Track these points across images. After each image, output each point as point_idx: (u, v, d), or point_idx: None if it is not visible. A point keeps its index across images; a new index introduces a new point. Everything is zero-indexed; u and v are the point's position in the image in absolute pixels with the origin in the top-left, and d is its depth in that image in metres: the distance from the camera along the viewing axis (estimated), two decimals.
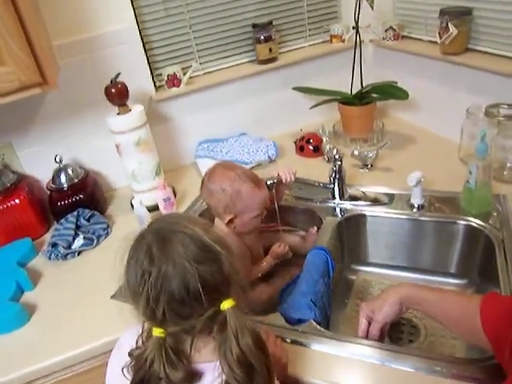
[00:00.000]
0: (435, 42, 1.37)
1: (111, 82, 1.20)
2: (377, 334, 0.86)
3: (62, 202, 1.28)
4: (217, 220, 1.12)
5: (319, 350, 0.84)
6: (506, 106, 1.19)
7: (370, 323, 0.88)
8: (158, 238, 0.61)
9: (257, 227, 1.10)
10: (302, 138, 1.51)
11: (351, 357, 0.82)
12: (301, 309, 0.92)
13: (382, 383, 0.77)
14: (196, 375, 0.63)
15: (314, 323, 0.90)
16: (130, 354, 0.65)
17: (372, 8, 1.34)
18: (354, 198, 1.25)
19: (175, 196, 1.36)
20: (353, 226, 1.22)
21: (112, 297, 1.03)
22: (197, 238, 0.61)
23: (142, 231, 0.64)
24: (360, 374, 0.79)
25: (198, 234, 0.62)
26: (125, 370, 0.64)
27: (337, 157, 1.17)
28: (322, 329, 0.89)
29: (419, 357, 0.80)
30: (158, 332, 0.61)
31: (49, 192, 1.31)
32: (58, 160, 1.28)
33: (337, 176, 1.21)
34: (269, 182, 1.12)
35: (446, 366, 0.77)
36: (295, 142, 1.53)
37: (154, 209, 1.29)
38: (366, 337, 0.88)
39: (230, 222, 1.04)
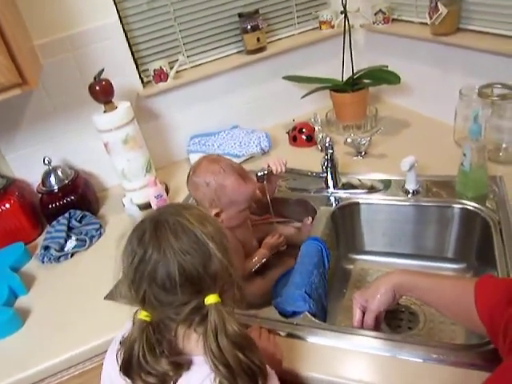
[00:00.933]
0: (426, 24, 1.34)
1: (95, 79, 1.18)
2: (372, 324, 0.85)
3: (54, 205, 1.27)
4: None
5: (315, 342, 0.83)
6: (499, 86, 1.16)
7: (364, 313, 0.87)
8: (153, 224, 0.62)
9: (245, 221, 1.08)
10: (295, 128, 1.49)
11: (348, 348, 0.81)
12: (295, 301, 0.90)
13: (379, 372, 0.76)
14: (182, 366, 0.62)
15: (309, 315, 0.89)
16: (120, 342, 0.65)
17: None
18: (348, 187, 1.23)
19: (168, 193, 1.34)
20: (347, 214, 1.20)
21: (106, 297, 1.02)
22: (189, 229, 0.61)
23: (143, 217, 0.65)
24: (358, 364, 0.78)
25: (191, 226, 0.61)
26: (117, 356, 0.64)
27: (327, 145, 1.15)
28: (317, 321, 0.88)
29: (417, 345, 0.79)
30: (142, 315, 0.62)
31: (40, 195, 1.30)
32: (46, 162, 1.26)
33: (329, 165, 1.19)
34: (259, 174, 1.09)
35: (444, 353, 0.75)
36: (288, 133, 1.51)
37: (146, 207, 1.28)
38: (362, 327, 0.87)
39: (217, 215, 1.03)
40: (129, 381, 0.62)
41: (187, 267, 0.59)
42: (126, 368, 0.62)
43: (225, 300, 0.62)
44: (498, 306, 0.65)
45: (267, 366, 0.65)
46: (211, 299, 0.60)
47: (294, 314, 0.89)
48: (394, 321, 1.05)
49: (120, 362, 0.63)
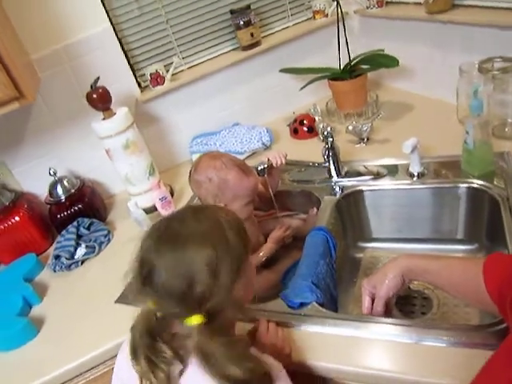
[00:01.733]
0: (420, 4, 1.32)
1: (91, 87, 1.19)
2: (381, 310, 0.84)
3: (62, 214, 1.29)
4: None
5: (324, 332, 0.82)
6: (499, 60, 1.14)
7: (373, 299, 0.86)
8: (166, 237, 0.66)
9: (250, 215, 1.08)
10: (295, 121, 1.48)
11: (359, 335, 0.80)
12: (302, 292, 0.90)
13: (391, 358, 0.74)
14: (182, 356, 0.63)
15: (317, 305, 0.88)
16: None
17: None
18: (351, 175, 1.22)
19: (173, 195, 1.35)
20: (352, 202, 1.19)
21: (116, 301, 1.03)
22: (187, 255, 0.63)
23: (168, 222, 0.69)
24: (369, 351, 0.77)
25: (191, 252, 0.63)
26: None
27: (326, 133, 1.14)
28: (325, 310, 0.87)
29: (429, 328, 0.78)
30: (149, 303, 0.65)
31: (48, 206, 1.32)
32: (52, 173, 1.28)
33: (330, 153, 1.18)
34: (260, 168, 1.09)
35: (457, 335, 0.74)
36: (289, 126, 1.50)
37: (152, 210, 1.29)
38: (372, 314, 0.85)
39: None
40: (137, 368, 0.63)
41: (170, 283, 0.62)
42: (133, 351, 0.64)
43: (215, 319, 0.62)
44: (506, 282, 0.63)
45: (275, 367, 0.65)
46: (193, 320, 0.61)
47: (302, 305, 0.89)
48: (407, 306, 1.03)
49: (128, 346, 0.65)
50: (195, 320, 0.61)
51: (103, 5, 1.30)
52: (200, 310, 0.62)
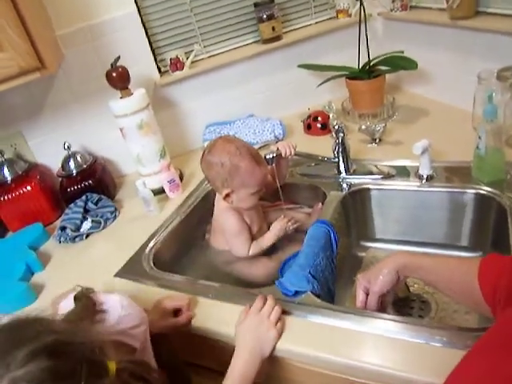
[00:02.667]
0: (444, 10, 1.31)
1: (111, 65, 1.22)
2: (375, 305, 0.83)
3: (72, 188, 1.32)
4: (217, 197, 1.12)
5: (318, 321, 0.82)
6: None
7: (368, 295, 0.86)
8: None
9: (255, 204, 1.09)
10: (309, 116, 1.48)
11: (350, 327, 0.79)
12: (298, 281, 0.90)
13: (383, 353, 0.73)
14: None
15: (313, 295, 0.88)
16: None
17: None
18: (360, 173, 1.21)
19: (182, 179, 1.37)
20: (359, 200, 1.19)
21: (115, 275, 1.05)
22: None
23: None
24: (361, 344, 0.76)
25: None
26: None
27: (337, 127, 1.14)
28: (320, 300, 0.87)
29: (423, 326, 0.77)
30: None
31: (59, 179, 1.35)
32: (66, 147, 1.31)
33: (340, 149, 1.18)
34: (268, 156, 1.10)
35: (451, 336, 0.72)
36: (303, 121, 1.51)
37: (160, 191, 1.30)
38: (365, 308, 0.85)
39: (227, 196, 1.04)
40: None
41: None
42: None
43: None
44: (501, 283, 0.62)
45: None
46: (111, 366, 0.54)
47: (297, 293, 0.89)
48: (405, 309, 1.02)
49: None
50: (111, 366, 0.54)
51: None
52: None
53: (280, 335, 0.79)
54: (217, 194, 1.11)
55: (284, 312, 0.83)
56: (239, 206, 1.06)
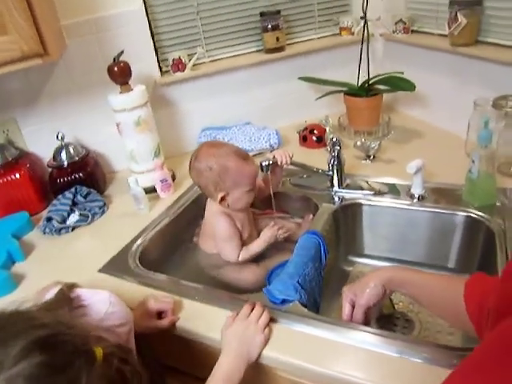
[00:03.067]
0: (445, 36, 1.34)
1: (114, 60, 1.21)
2: (361, 318, 0.83)
3: (62, 180, 1.29)
4: (209, 201, 1.12)
5: (302, 330, 0.81)
6: None
7: (354, 307, 0.86)
8: None
9: (250, 203, 1.09)
10: (306, 129, 1.49)
11: (336, 339, 0.79)
12: (286, 290, 0.89)
13: (364, 366, 0.73)
14: None
15: (300, 305, 0.87)
16: None
17: None
18: (353, 187, 1.22)
19: (174, 180, 1.36)
20: (350, 214, 1.19)
21: (100, 270, 1.03)
22: None
23: None
24: (342, 356, 0.76)
25: None
26: None
27: (335, 140, 1.15)
28: (306, 310, 0.87)
29: (406, 342, 0.77)
30: None
31: (49, 170, 1.33)
32: (59, 138, 1.29)
33: (335, 162, 1.18)
34: (264, 164, 1.10)
35: (433, 353, 0.73)
36: (298, 133, 1.52)
37: (151, 190, 1.29)
38: (351, 321, 0.85)
39: (223, 199, 1.04)
40: None
41: None
42: None
43: None
44: (486, 299, 0.63)
45: None
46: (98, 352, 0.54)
47: (284, 302, 0.88)
48: (389, 325, 1.02)
49: None
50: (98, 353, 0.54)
51: None
52: None
53: (267, 341, 0.78)
54: (208, 201, 1.11)
55: (271, 319, 0.82)
56: (235, 207, 1.06)
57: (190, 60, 1.45)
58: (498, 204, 1.07)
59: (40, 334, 0.50)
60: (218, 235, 1.07)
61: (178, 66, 1.42)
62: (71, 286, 0.68)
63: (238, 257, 1.07)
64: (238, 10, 1.50)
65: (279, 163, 1.12)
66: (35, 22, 0.98)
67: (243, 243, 1.10)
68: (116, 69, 1.21)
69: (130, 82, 1.25)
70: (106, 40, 1.33)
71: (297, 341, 0.79)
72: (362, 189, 1.21)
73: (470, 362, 0.48)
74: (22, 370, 0.46)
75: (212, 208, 1.09)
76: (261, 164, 1.10)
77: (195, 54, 1.46)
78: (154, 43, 1.43)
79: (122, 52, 1.22)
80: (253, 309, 0.82)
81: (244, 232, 1.11)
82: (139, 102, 1.23)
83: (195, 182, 1.11)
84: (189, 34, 1.47)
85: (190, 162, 1.08)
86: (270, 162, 1.10)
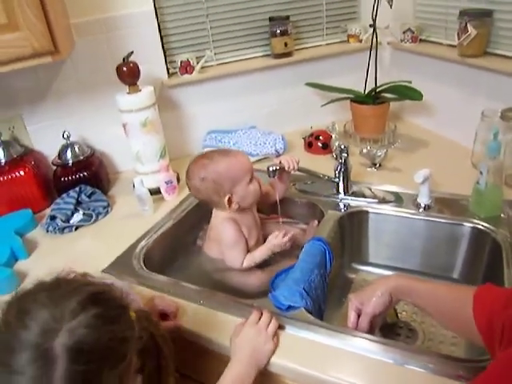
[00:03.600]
0: (454, 46, 1.35)
1: (123, 60, 1.21)
2: (366, 326, 0.83)
3: (66, 178, 1.29)
4: (214, 211, 1.11)
5: (308, 337, 0.81)
6: None
7: (359, 315, 0.85)
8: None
9: (258, 196, 1.08)
10: (312, 135, 1.49)
11: (341, 347, 0.78)
12: (292, 296, 0.89)
13: (368, 375, 0.73)
14: None
15: (305, 311, 0.87)
16: None
17: (391, 6, 1.33)
18: (359, 195, 1.22)
19: (178, 182, 1.35)
20: (355, 222, 1.19)
21: (103, 270, 1.02)
22: None
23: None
24: (347, 364, 0.75)
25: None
26: None
27: (342, 147, 1.14)
28: (312, 317, 0.86)
29: (410, 352, 0.77)
30: None
31: (54, 168, 1.32)
32: (65, 136, 1.28)
33: (342, 169, 1.18)
34: (271, 169, 1.09)
35: (436, 363, 0.73)
36: (304, 139, 1.52)
37: (155, 192, 1.28)
38: (356, 329, 0.84)
39: (230, 201, 1.03)
40: None
41: None
42: None
43: None
44: (496, 311, 0.63)
45: None
46: None
47: (290, 308, 0.88)
48: (392, 335, 1.02)
49: None
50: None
51: None
52: None
53: (275, 350, 0.78)
54: (214, 211, 1.11)
55: (278, 327, 0.82)
56: (246, 203, 1.06)
57: (197, 63, 1.45)
58: (502, 216, 1.07)
59: (91, 290, 0.56)
60: (224, 241, 1.07)
61: (186, 68, 1.42)
62: (84, 275, 0.68)
63: (242, 264, 1.06)
64: (247, 15, 1.50)
65: (286, 168, 1.11)
66: (47, 20, 0.98)
67: (249, 249, 1.10)
68: (125, 69, 1.20)
69: (137, 83, 1.25)
70: (115, 40, 1.33)
71: (302, 347, 0.79)
72: (367, 196, 1.21)
73: (486, 378, 0.47)
74: (81, 321, 0.52)
75: (219, 214, 1.09)
76: (268, 169, 1.09)
77: (203, 56, 1.46)
78: (163, 45, 1.43)
79: (132, 52, 1.22)
80: (261, 315, 0.82)
81: (250, 238, 1.11)
82: (147, 103, 1.22)
83: (199, 199, 1.12)
84: (197, 36, 1.48)
85: (187, 184, 1.09)
86: (277, 168, 1.10)
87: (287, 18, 1.49)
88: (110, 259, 1.05)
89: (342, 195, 1.22)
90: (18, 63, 0.99)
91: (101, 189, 1.31)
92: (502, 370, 0.47)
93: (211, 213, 1.13)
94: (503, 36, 1.23)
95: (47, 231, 1.17)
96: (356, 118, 1.50)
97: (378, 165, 1.33)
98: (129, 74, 1.21)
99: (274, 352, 0.77)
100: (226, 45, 1.52)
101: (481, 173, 1.05)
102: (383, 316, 0.89)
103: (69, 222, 1.18)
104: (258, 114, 1.59)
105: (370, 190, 1.23)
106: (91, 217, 1.20)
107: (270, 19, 1.50)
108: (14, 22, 0.95)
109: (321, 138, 1.47)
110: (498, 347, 0.58)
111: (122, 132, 1.27)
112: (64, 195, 1.24)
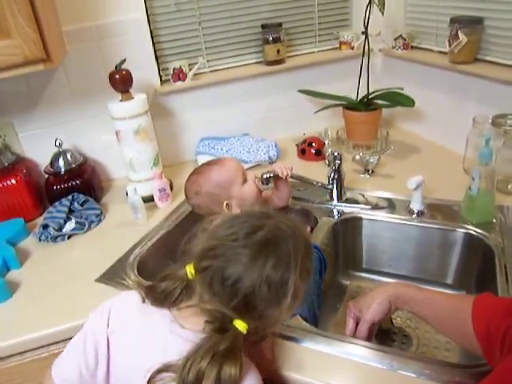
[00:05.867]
0: (445, 53, 1.36)
1: (116, 67, 1.20)
2: (365, 334, 0.83)
3: (58, 187, 1.27)
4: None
5: (304, 345, 0.80)
6: None
7: (357, 323, 0.85)
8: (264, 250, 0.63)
9: (258, 192, 1.09)
10: (304, 141, 1.50)
11: (337, 354, 0.78)
12: None
13: (363, 382, 0.73)
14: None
15: (300, 319, 0.87)
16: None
17: (382, 13, 1.34)
18: (352, 201, 1.23)
19: (172, 189, 1.34)
20: (349, 228, 1.19)
21: (97, 280, 1.01)
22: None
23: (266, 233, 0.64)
24: (344, 371, 0.75)
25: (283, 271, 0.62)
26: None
27: (336, 154, 1.15)
28: (307, 324, 0.86)
29: (405, 358, 0.77)
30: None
31: (46, 176, 1.31)
32: (57, 144, 1.27)
33: (335, 176, 1.19)
34: (265, 176, 1.10)
35: (431, 369, 0.73)
36: (297, 145, 1.52)
37: (149, 200, 1.28)
38: (354, 336, 0.84)
39: (229, 207, 1.04)
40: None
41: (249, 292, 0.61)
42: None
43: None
44: (495, 320, 0.63)
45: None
46: (239, 324, 0.61)
47: None
48: (387, 341, 1.02)
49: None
50: (240, 325, 0.61)
51: None
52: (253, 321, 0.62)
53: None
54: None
55: (273, 333, 0.81)
56: (246, 202, 1.06)
57: (190, 70, 1.45)
58: (494, 221, 1.08)
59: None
60: None
61: (179, 75, 1.42)
62: None
63: None
64: (240, 22, 1.50)
65: (280, 175, 1.11)
66: (39, 27, 0.97)
67: None
68: (118, 76, 1.20)
69: (130, 90, 1.24)
70: (108, 47, 1.33)
71: (296, 354, 0.78)
72: (360, 203, 1.21)
73: None
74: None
75: None
76: (262, 176, 1.09)
77: (196, 63, 1.46)
78: (155, 52, 1.42)
79: (125, 60, 1.21)
80: None
81: None
82: (140, 111, 1.22)
83: (204, 213, 1.11)
84: (190, 43, 1.48)
85: (189, 204, 1.11)
86: (271, 175, 1.10)
87: (280, 25, 1.50)
88: (103, 268, 1.04)
89: (335, 202, 1.23)
90: (9, 71, 0.98)
91: (93, 197, 1.30)
92: (504, 377, 0.47)
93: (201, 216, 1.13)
94: (493, 43, 1.25)
95: (40, 240, 1.16)
96: (348, 124, 1.51)
97: (370, 171, 1.34)
98: (121, 82, 1.21)
99: None
100: (218, 52, 1.52)
101: (473, 179, 1.06)
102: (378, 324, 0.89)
103: (61, 230, 1.17)
104: (251, 121, 1.60)
105: (363, 196, 1.24)
106: (84, 225, 1.19)
107: (263, 26, 1.50)
108: (6, 29, 0.95)
109: (314, 144, 1.48)
110: (498, 355, 0.58)
111: (114, 139, 1.27)
112: (56, 203, 1.23)
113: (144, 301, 0.68)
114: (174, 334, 0.64)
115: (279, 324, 0.71)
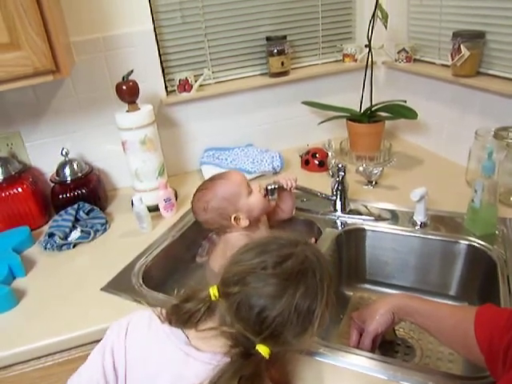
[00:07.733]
0: (447, 66, 1.38)
1: (123, 78, 1.22)
2: (369, 345, 0.83)
3: (64, 195, 1.29)
4: (228, 235, 1.11)
5: (307, 356, 0.80)
6: None
7: (361, 334, 0.86)
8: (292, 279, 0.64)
9: (265, 203, 1.10)
10: (308, 152, 1.51)
11: (341, 365, 0.78)
12: None
13: None
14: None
15: None
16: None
17: (386, 27, 1.36)
18: (355, 212, 1.23)
19: (176, 199, 1.36)
20: (353, 239, 1.20)
21: (102, 289, 1.02)
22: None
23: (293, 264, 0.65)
24: (347, 382, 0.76)
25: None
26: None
27: (340, 166, 1.16)
28: None
29: (413, 370, 0.77)
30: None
31: (52, 185, 1.32)
32: (64, 153, 1.29)
33: (339, 187, 1.20)
34: (269, 187, 1.11)
35: (434, 381, 0.73)
36: (301, 156, 1.53)
37: (154, 209, 1.29)
38: (357, 347, 0.85)
39: (237, 220, 1.04)
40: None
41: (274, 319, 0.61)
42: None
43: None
44: (498, 331, 0.63)
45: None
46: (262, 349, 0.61)
47: None
48: (390, 352, 1.02)
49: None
50: (264, 351, 0.61)
51: (150, 6, 1.35)
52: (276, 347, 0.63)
53: None
54: (227, 235, 1.10)
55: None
56: (255, 214, 1.07)
57: (196, 81, 1.47)
58: (497, 233, 1.09)
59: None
60: None
61: (185, 86, 1.44)
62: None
63: None
64: (245, 34, 1.53)
65: (284, 186, 1.12)
66: (49, 39, 0.99)
67: None
68: (125, 87, 1.22)
69: (136, 101, 1.26)
70: (115, 58, 1.35)
71: (300, 365, 0.78)
72: (364, 214, 1.22)
73: None
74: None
75: (235, 239, 1.08)
76: (266, 188, 1.10)
77: (201, 75, 1.48)
78: (162, 63, 1.44)
79: (132, 71, 1.23)
80: None
81: None
82: (146, 122, 1.24)
83: (212, 228, 1.13)
84: (196, 55, 1.50)
85: (196, 218, 1.12)
86: (276, 187, 1.11)
87: (284, 37, 1.52)
88: (108, 277, 1.05)
89: (339, 213, 1.23)
90: (19, 82, 1.00)
91: (99, 206, 1.31)
92: None
93: (211, 231, 1.14)
94: (495, 57, 1.27)
95: (45, 248, 1.16)
96: (352, 135, 1.53)
97: (374, 182, 1.35)
98: (128, 93, 1.23)
99: None
100: (223, 63, 1.54)
101: (475, 191, 1.06)
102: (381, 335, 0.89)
103: (67, 239, 1.18)
104: (255, 132, 1.61)
105: (367, 207, 1.25)
106: (89, 234, 1.20)
107: (268, 39, 1.52)
108: (16, 41, 0.96)
109: (317, 155, 1.49)
110: (501, 367, 0.58)
111: (120, 149, 1.28)
112: (62, 212, 1.24)
113: (162, 321, 0.68)
114: (189, 357, 0.64)
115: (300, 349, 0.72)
